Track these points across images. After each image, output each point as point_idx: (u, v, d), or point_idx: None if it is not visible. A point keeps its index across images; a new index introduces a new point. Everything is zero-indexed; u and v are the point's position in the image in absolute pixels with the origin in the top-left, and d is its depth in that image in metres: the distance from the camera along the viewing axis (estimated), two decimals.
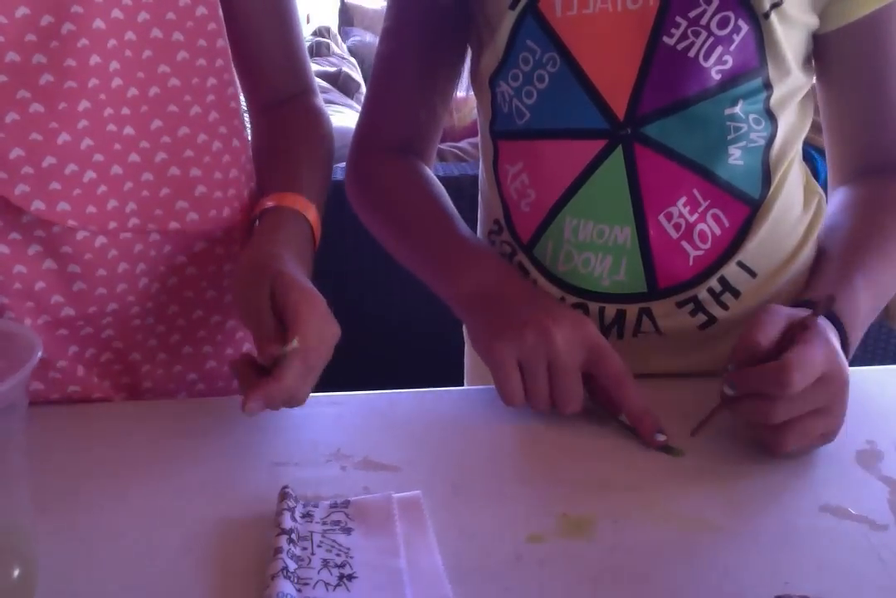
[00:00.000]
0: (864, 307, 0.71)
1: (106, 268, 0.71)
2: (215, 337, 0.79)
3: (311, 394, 0.74)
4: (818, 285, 0.74)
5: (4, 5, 0.62)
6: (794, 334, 0.63)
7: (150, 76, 0.68)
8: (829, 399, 0.62)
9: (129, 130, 0.69)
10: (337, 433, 0.69)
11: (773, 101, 0.73)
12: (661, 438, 0.67)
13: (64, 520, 0.59)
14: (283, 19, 0.80)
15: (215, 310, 0.79)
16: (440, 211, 0.82)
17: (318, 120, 0.84)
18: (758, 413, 0.62)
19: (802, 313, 0.66)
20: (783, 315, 0.65)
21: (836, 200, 0.81)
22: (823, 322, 0.65)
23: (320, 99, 0.86)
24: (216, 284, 0.78)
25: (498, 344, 0.68)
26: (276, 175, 0.79)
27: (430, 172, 0.87)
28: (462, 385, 0.96)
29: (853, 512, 0.60)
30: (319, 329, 0.63)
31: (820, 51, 0.76)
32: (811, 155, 0.78)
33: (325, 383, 0.87)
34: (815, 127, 0.80)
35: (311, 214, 0.75)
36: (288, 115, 0.82)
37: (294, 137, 0.82)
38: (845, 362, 0.64)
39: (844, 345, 0.66)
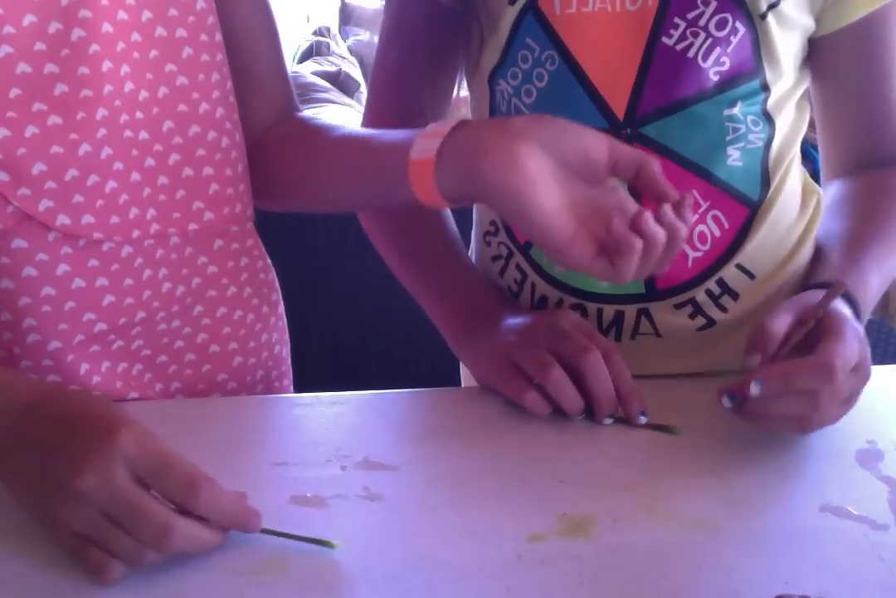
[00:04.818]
0: (872, 289, 0.71)
1: (132, 277, 0.70)
2: (238, 332, 0.79)
3: (311, 394, 0.74)
4: (825, 270, 0.74)
5: (11, 14, 0.60)
6: (811, 319, 0.63)
7: (157, 76, 0.68)
8: (855, 387, 0.62)
9: (143, 135, 0.68)
10: (337, 433, 0.69)
11: (770, 103, 0.73)
12: (643, 420, 0.68)
13: None
14: (270, 26, 0.79)
15: (237, 305, 0.78)
16: (442, 240, 0.82)
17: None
18: (802, 408, 0.61)
19: (813, 296, 0.65)
20: (793, 303, 0.65)
21: (832, 192, 0.82)
22: (840, 306, 0.65)
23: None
24: (236, 280, 0.78)
25: (502, 375, 0.70)
26: None
27: None
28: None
29: (853, 512, 0.60)
30: None
31: (815, 53, 0.76)
32: (812, 155, 0.78)
33: (326, 383, 0.87)
34: (814, 125, 0.80)
35: None
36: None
37: None
38: (868, 349, 0.64)
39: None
